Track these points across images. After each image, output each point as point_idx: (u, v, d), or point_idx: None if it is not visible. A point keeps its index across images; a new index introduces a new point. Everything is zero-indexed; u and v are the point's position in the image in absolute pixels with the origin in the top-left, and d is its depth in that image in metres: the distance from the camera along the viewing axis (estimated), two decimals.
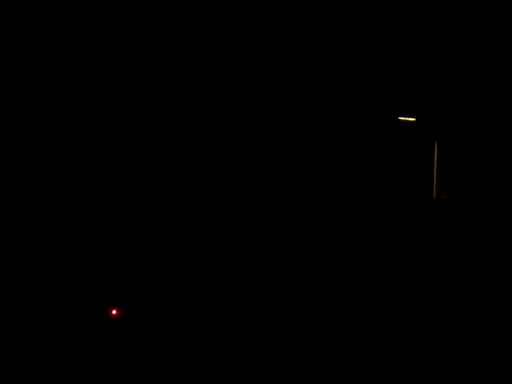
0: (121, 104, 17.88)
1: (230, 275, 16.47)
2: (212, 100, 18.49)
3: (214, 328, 14.43)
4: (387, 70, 19.27)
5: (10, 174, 17.08)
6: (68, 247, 16.54)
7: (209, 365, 13.15)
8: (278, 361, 12.94)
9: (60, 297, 14.59)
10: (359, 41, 19.16)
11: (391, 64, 19.21)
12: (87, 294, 14.58)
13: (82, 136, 17.77)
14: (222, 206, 18.25)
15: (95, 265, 15.86)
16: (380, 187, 19.55)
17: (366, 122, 19.49)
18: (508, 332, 13.77)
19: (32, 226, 16.85)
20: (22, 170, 17.25)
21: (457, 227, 18.75)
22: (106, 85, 17.94)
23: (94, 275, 15.44)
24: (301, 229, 18.42)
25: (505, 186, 19.33)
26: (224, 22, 18.38)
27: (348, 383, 12.24)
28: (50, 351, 13.32)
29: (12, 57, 17.27)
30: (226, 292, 15.74)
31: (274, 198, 18.48)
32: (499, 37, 19.02)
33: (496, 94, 19.26)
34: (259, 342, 14.04)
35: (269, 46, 18.89)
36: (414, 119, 19.25)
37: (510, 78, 19.05)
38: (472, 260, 17.37)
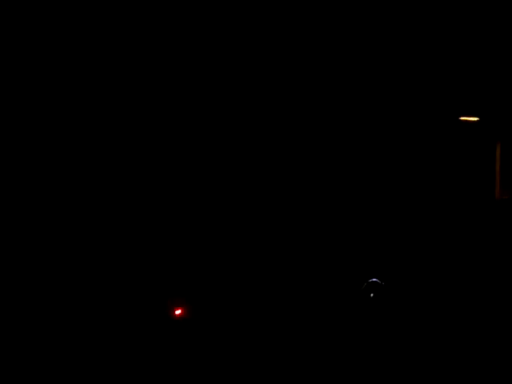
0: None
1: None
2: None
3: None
4: (450, 68, 19.08)
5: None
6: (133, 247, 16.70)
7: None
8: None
9: (124, 298, 14.81)
10: (419, 34, 18.99)
11: (453, 63, 19.01)
12: (151, 294, 14.75)
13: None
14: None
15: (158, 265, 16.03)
16: (442, 187, 19.40)
17: (428, 122, 19.32)
18: None
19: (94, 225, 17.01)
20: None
21: None
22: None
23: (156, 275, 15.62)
24: (366, 227, 18.40)
25: None
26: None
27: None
28: (113, 351, 13.45)
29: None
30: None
31: (328, 207, 18.45)
32: None
33: None
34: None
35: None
36: (476, 119, 19.02)
37: None
38: None
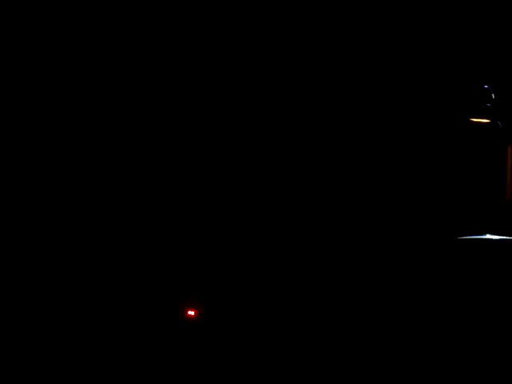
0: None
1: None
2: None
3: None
4: (459, 68, 19.06)
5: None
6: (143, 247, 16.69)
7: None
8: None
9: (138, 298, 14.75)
10: (428, 32, 18.94)
11: (463, 63, 18.99)
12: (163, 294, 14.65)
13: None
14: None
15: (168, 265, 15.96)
16: (452, 189, 19.44)
17: (439, 123, 19.34)
18: None
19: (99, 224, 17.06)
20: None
21: None
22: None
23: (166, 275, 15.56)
24: (368, 228, 18.47)
25: None
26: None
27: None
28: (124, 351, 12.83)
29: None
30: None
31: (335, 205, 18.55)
32: None
33: None
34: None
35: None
36: (488, 120, 18.99)
37: None
38: None
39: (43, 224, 17.37)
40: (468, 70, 19.21)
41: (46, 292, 15.94)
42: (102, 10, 18.16)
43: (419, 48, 19.21)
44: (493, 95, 18.64)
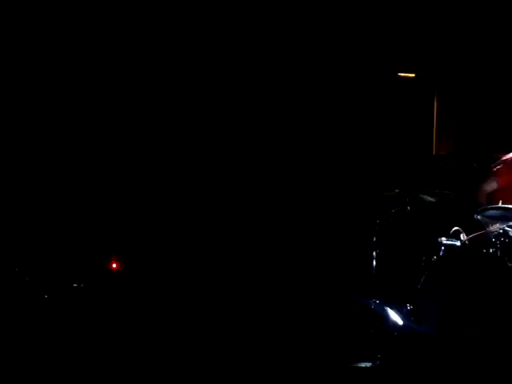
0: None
1: None
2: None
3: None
4: (385, 23, 18.90)
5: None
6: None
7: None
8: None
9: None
10: None
11: (389, 17, 18.83)
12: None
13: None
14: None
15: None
16: (378, 144, 19.39)
17: (364, 77, 19.23)
18: None
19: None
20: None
21: (457, 183, 18.49)
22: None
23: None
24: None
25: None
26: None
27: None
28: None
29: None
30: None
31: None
32: None
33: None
34: None
35: None
36: (413, 75, 18.91)
37: None
38: None
39: None
40: (394, 24, 19.08)
41: None
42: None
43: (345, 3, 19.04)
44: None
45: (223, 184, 18.27)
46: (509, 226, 9.92)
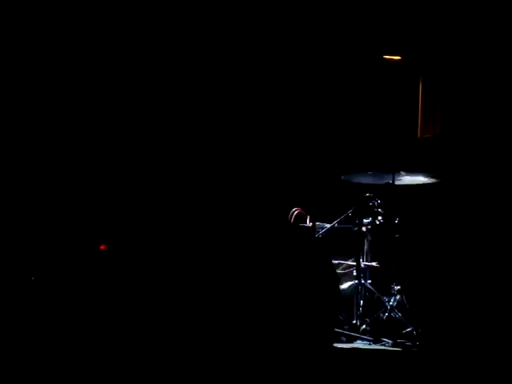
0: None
1: None
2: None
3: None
4: (369, 4, 18.81)
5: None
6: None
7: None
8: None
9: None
10: None
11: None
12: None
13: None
14: None
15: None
16: (364, 126, 19.34)
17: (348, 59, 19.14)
18: None
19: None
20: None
21: (443, 167, 18.47)
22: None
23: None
24: None
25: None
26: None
27: None
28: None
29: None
30: None
31: None
32: None
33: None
34: None
35: None
36: (399, 57, 18.86)
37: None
38: None
39: None
40: (378, 5, 18.99)
41: None
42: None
43: None
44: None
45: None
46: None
